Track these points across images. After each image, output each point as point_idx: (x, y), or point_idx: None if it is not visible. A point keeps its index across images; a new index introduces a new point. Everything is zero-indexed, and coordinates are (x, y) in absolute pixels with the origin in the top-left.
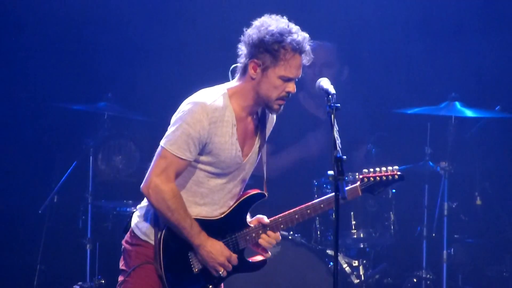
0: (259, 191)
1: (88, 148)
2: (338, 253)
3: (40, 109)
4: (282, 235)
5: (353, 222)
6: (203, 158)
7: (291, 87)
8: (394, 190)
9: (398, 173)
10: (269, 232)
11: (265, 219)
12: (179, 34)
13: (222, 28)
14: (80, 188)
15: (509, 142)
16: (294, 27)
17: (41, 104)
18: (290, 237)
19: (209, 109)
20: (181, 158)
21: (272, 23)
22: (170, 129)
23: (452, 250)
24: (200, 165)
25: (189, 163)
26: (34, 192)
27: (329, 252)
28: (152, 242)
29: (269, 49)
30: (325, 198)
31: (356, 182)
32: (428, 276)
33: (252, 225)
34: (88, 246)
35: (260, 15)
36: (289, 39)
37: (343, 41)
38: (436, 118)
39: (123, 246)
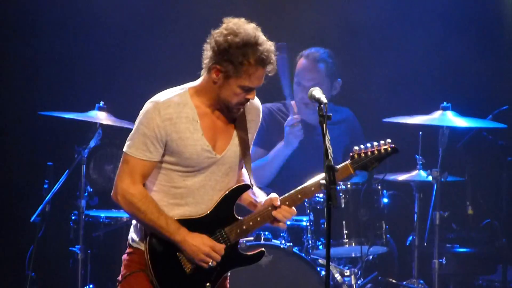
0: (243, 183)
1: (80, 157)
2: (330, 262)
3: (31, 118)
4: (273, 245)
5: (345, 232)
6: (169, 158)
7: (251, 95)
8: (386, 201)
9: (392, 145)
10: (284, 207)
11: (277, 202)
12: (172, 42)
13: None
14: (72, 197)
15: (500, 151)
16: (261, 38)
17: (33, 113)
18: (281, 246)
19: (161, 106)
20: (142, 159)
21: (239, 32)
22: (131, 133)
23: (443, 260)
24: (169, 166)
25: (154, 164)
26: (25, 201)
27: (321, 261)
28: (139, 246)
29: (233, 60)
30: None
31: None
32: (419, 285)
33: (240, 218)
34: (79, 255)
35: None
36: (253, 53)
37: (333, 50)
38: (428, 127)
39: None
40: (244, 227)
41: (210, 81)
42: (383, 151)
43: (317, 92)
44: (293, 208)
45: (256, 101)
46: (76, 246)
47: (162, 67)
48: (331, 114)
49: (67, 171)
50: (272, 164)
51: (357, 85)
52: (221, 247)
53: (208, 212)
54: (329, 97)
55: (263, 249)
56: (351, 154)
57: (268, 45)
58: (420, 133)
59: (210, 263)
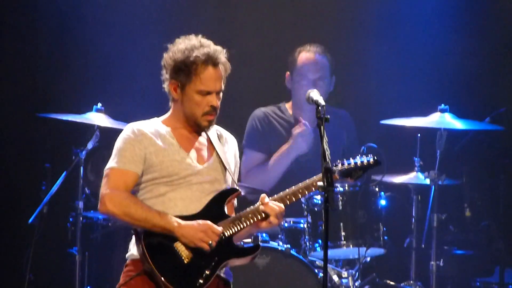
0: (231, 187)
1: (77, 159)
2: (327, 264)
3: (29, 119)
4: (270, 246)
5: (343, 233)
6: (152, 174)
7: (213, 101)
8: (384, 203)
9: (375, 158)
10: (272, 201)
11: (265, 199)
12: (171, 44)
13: (216, 38)
14: (70, 199)
15: (498, 154)
16: (206, 42)
17: (30, 114)
18: (279, 248)
19: (135, 126)
20: (120, 169)
21: (182, 41)
22: None
23: (441, 262)
24: (155, 181)
25: (133, 176)
26: (23, 202)
27: (318, 263)
28: (137, 257)
29: (181, 66)
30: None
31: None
32: (417, 287)
33: (232, 215)
34: (77, 256)
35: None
36: (198, 52)
37: (330, 51)
38: (426, 130)
39: None
40: (237, 221)
41: (175, 103)
42: (366, 163)
43: (315, 94)
44: (282, 205)
45: (230, 136)
46: (73, 247)
47: (160, 69)
48: (329, 116)
49: (64, 173)
50: (277, 167)
51: (355, 87)
52: (218, 228)
53: (199, 210)
54: (327, 93)
55: (259, 243)
56: (334, 164)
57: (213, 47)
58: (418, 135)
59: (209, 243)
